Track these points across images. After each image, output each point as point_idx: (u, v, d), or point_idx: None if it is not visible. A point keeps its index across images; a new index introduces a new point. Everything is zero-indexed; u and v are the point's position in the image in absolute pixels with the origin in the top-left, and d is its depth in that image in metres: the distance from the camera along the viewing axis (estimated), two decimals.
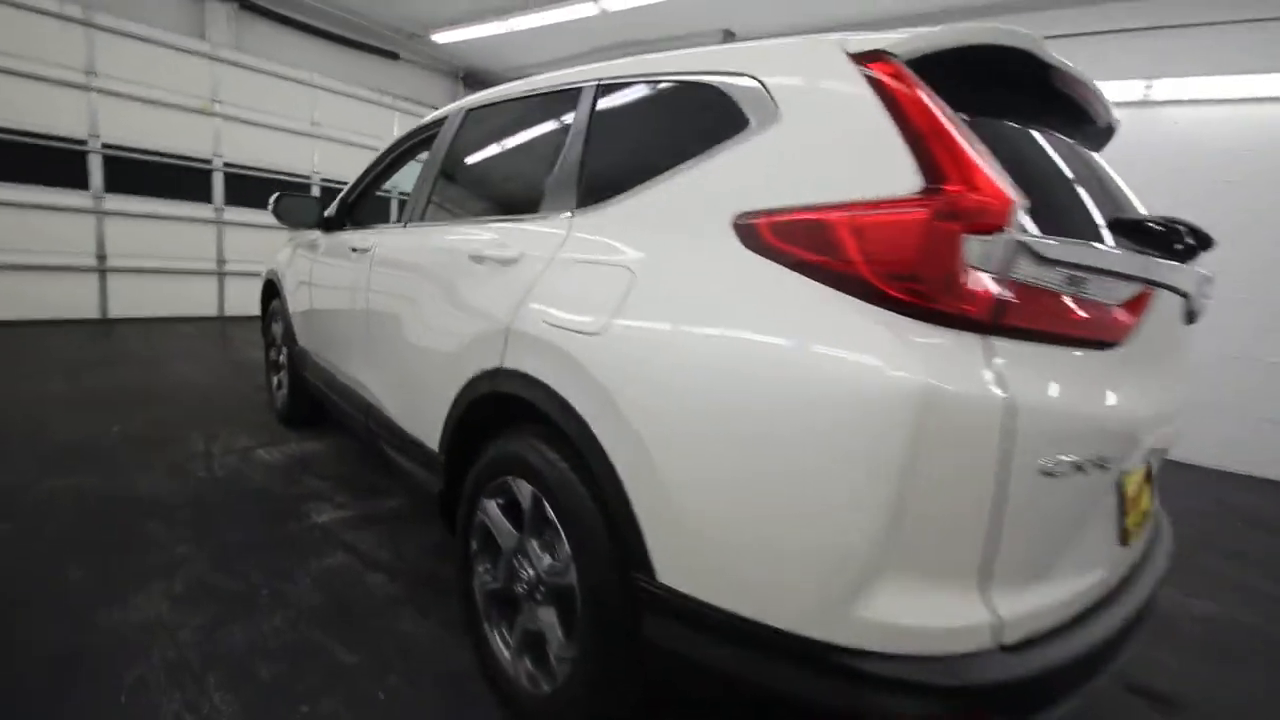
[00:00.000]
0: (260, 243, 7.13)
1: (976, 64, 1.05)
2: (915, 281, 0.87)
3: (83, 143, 5.78)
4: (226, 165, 6.76)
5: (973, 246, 0.85)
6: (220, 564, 2.04)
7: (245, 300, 7.10)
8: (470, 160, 2.15)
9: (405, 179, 2.68)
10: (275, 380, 3.61)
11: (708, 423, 0.99)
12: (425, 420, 1.84)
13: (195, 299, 6.79)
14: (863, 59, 1.05)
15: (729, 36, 6.35)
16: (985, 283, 0.86)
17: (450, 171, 2.16)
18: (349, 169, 7.77)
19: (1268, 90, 4.11)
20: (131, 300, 6.30)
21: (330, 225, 2.88)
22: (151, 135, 6.17)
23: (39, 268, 5.70)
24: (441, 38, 7.32)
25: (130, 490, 2.52)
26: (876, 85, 1.00)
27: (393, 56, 8.17)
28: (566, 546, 1.26)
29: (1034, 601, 0.97)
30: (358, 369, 2.35)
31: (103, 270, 6.08)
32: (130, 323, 6.20)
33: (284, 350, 3.37)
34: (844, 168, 0.99)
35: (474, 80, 9.18)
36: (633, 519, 1.10)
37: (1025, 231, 0.89)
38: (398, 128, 8.29)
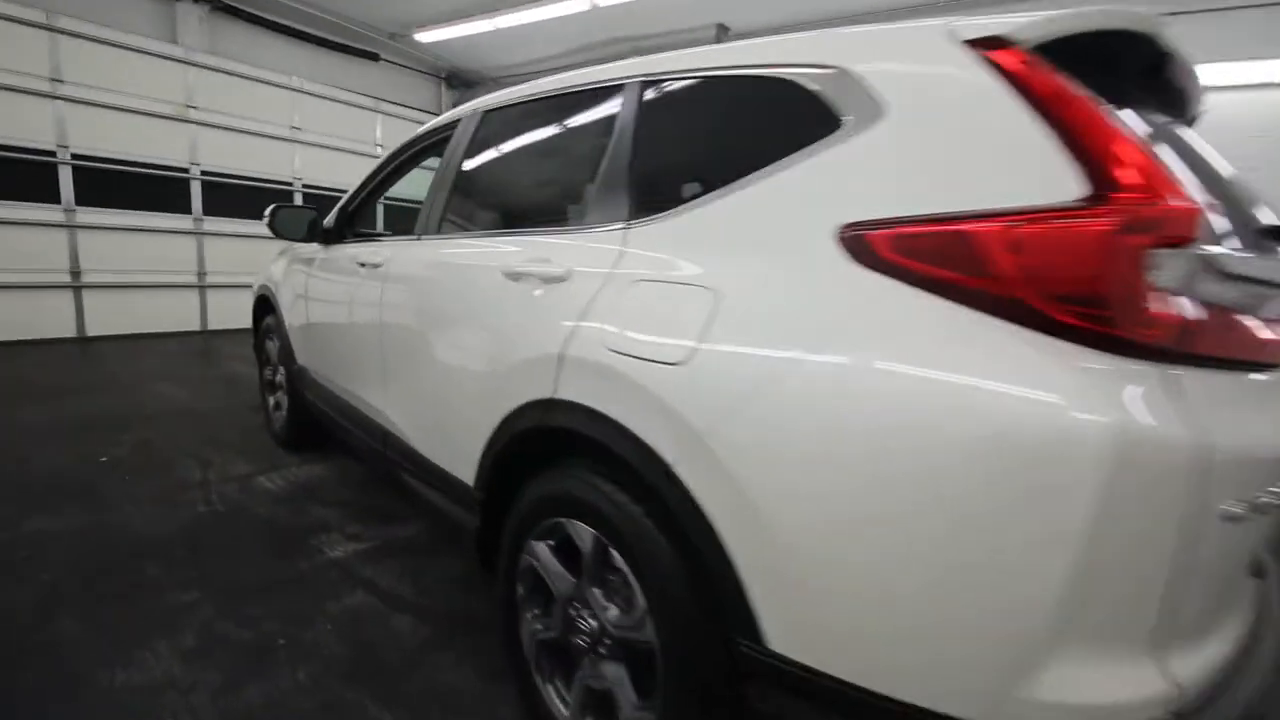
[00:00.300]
0: (242, 253, 6.89)
1: (1088, 50, 0.92)
2: (1091, 304, 0.74)
3: (51, 154, 5.51)
4: (204, 173, 6.51)
5: (1159, 262, 0.73)
6: (229, 610, 1.88)
7: (229, 313, 6.86)
8: (491, 167, 2.00)
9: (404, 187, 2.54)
10: (272, 401, 3.43)
11: (835, 472, 0.86)
12: (455, 452, 1.69)
13: (177, 313, 6.53)
14: (981, 46, 0.93)
15: (723, 31, 6.23)
16: (1170, 304, 0.74)
17: (468, 179, 2.01)
18: (331, 174, 7.56)
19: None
20: (109, 317, 6.04)
21: (330, 237, 2.71)
22: (124, 144, 5.91)
23: (9, 287, 5.42)
24: (425, 36, 7.11)
25: (124, 528, 2.34)
26: (1007, 75, 0.88)
27: (373, 58, 7.94)
28: (641, 600, 1.13)
29: (1204, 659, 0.86)
30: (370, 392, 2.19)
31: (78, 287, 5.81)
32: (109, 340, 5.94)
33: (281, 369, 3.18)
34: (978, 171, 0.86)
35: (458, 81, 8.97)
36: (733, 577, 0.96)
37: (1211, 243, 0.77)
38: (380, 131, 8.07)
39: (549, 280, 1.39)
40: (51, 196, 5.56)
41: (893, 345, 0.85)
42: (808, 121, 1.07)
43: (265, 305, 3.37)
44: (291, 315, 2.99)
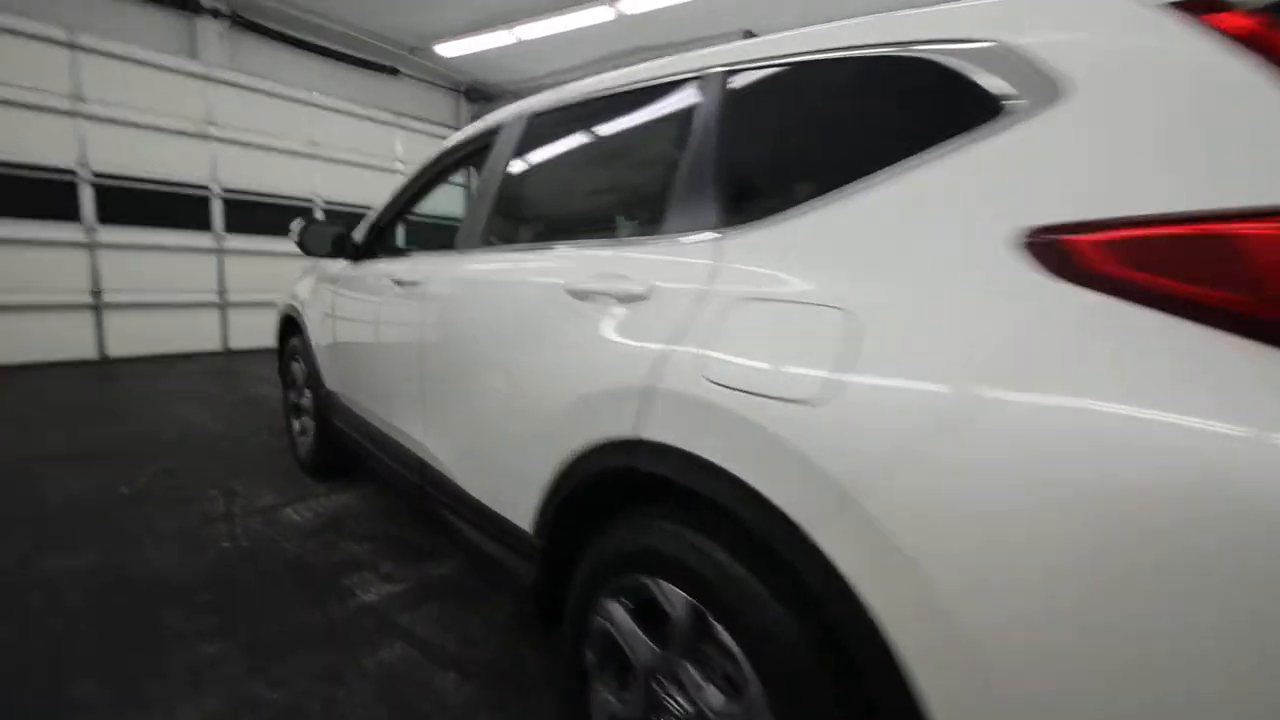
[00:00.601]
0: (263, 271, 6.81)
1: None
2: None
3: (72, 172, 5.46)
4: (225, 191, 6.44)
5: None
6: (257, 665, 1.70)
7: (250, 333, 6.77)
8: (543, 174, 1.84)
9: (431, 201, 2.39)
10: (298, 425, 3.27)
11: (1056, 550, 0.65)
12: (508, 493, 1.50)
13: (198, 333, 6.45)
14: (1191, 9, 0.74)
15: (748, 37, 6.07)
16: None
17: (516, 188, 1.84)
18: (351, 191, 7.48)
19: None
20: (130, 337, 5.96)
21: (360, 253, 2.56)
22: (145, 162, 5.85)
23: (30, 307, 5.35)
24: (445, 50, 7.03)
25: (143, 569, 2.17)
26: (1242, 41, 0.69)
27: (392, 72, 7.88)
28: (757, 687, 0.93)
29: None
30: (407, 421, 2.01)
31: (98, 307, 5.74)
32: (130, 362, 5.86)
33: (308, 393, 3.03)
34: (1221, 160, 0.67)
35: (477, 95, 8.90)
36: (894, 671, 0.76)
37: None
38: (400, 146, 8.00)
39: (626, 299, 1.21)
40: (72, 215, 5.51)
41: (1123, 382, 0.65)
42: (955, 107, 0.89)
43: (290, 325, 3.22)
44: (319, 336, 2.84)
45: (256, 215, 6.71)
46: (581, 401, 1.24)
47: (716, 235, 1.14)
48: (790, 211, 1.03)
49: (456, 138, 2.23)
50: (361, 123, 7.56)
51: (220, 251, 6.50)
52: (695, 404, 1.00)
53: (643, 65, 1.50)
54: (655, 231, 1.28)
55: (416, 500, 2.00)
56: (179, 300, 6.25)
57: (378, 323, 2.23)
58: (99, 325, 5.77)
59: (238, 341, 6.74)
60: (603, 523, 1.24)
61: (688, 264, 1.15)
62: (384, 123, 7.80)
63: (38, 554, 2.24)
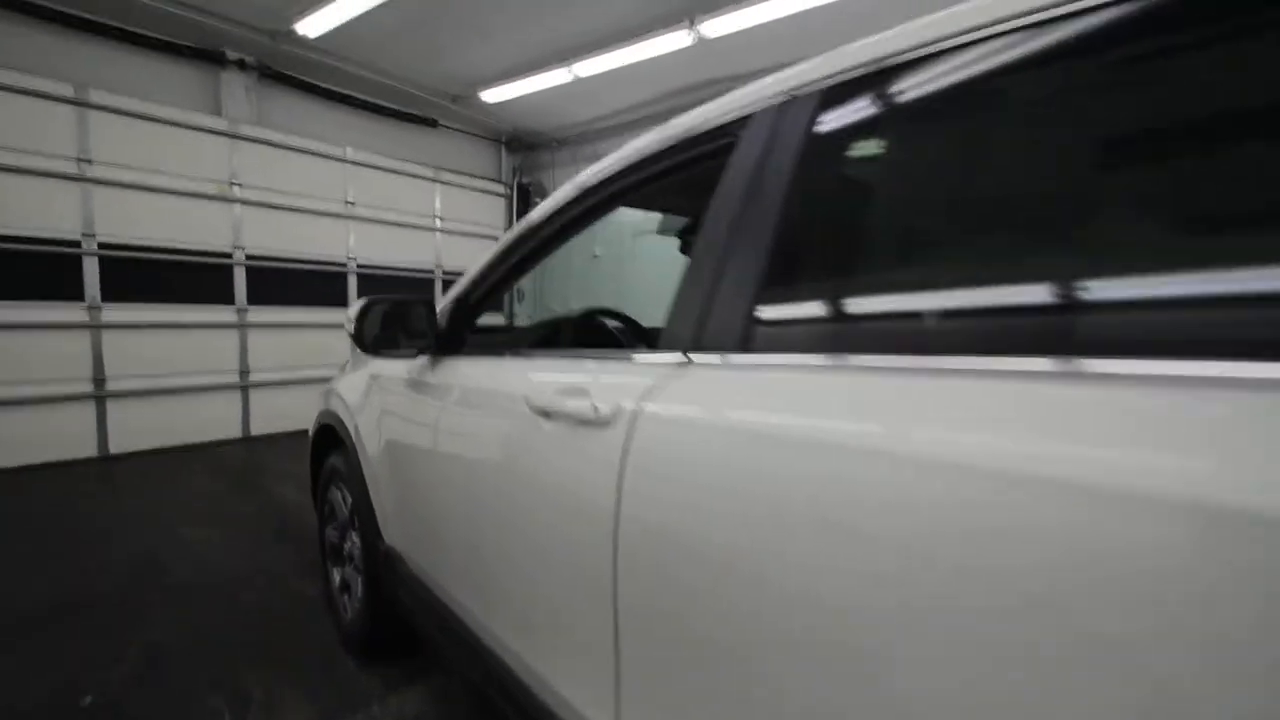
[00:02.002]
0: (290, 344, 6.01)
1: None
2: None
3: (75, 244, 4.72)
4: (249, 258, 5.69)
5: None
6: None
7: (274, 416, 5.92)
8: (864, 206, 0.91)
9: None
10: (339, 577, 2.32)
11: None
12: None
13: (214, 419, 5.59)
14: None
15: None
16: None
17: (816, 231, 0.92)
18: (388, 251, 6.76)
19: None
20: (136, 430, 5.11)
21: (444, 346, 1.66)
22: (159, 229, 5.11)
23: (21, 402, 4.54)
24: (492, 95, 6.35)
25: None
26: None
27: (431, 124, 7.25)
28: None
29: None
30: (570, 676, 1.05)
31: (101, 396, 4.91)
32: (135, 459, 4.99)
33: (355, 538, 2.10)
34: None
35: (519, 145, 8.25)
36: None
37: None
38: (439, 202, 7.30)
39: None
40: (74, 293, 4.74)
41: None
42: None
43: (329, 437, 2.31)
44: (376, 464, 1.91)
45: (284, 283, 5.95)
46: None
47: None
48: None
49: (620, 158, 1.33)
50: (398, 178, 6.86)
51: (243, 326, 5.71)
52: None
53: None
54: None
55: None
56: (194, 384, 5.41)
57: (492, 478, 1.30)
58: (101, 418, 4.93)
59: (260, 426, 5.88)
60: None
61: None
62: (422, 177, 7.10)
63: None
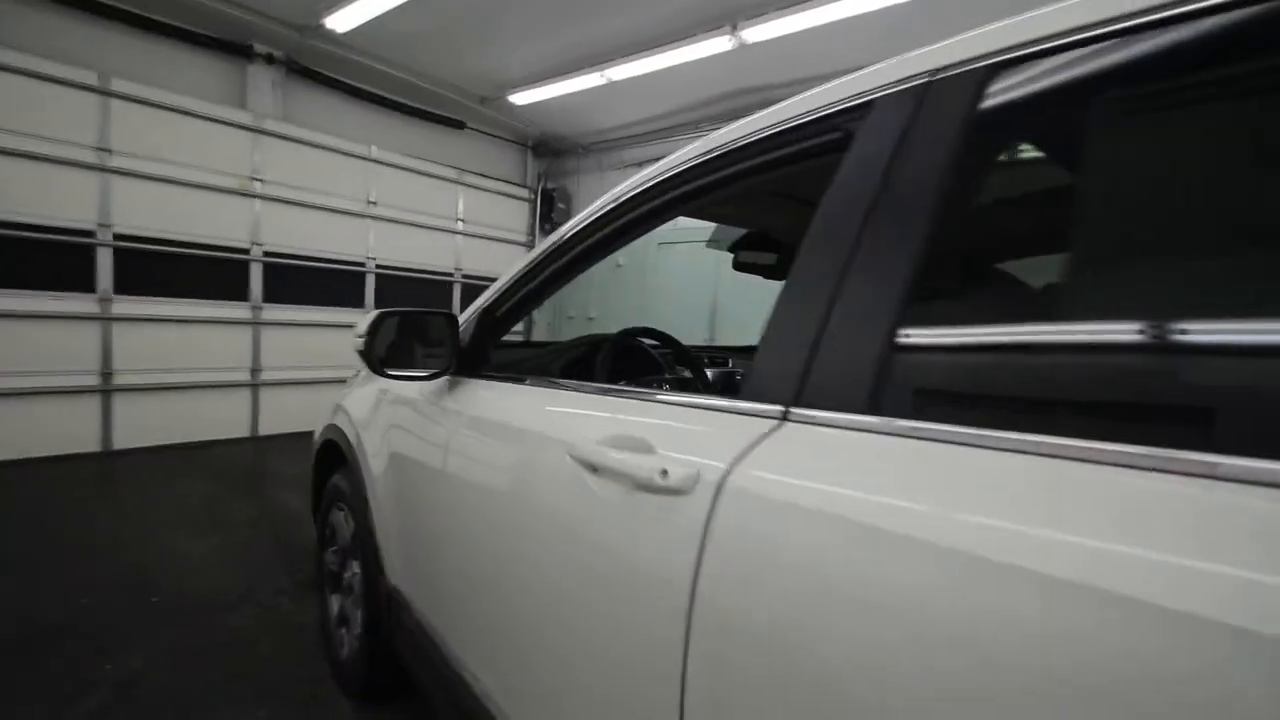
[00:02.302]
0: (303, 343, 5.86)
1: None
2: None
3: (90, 234, 4.60)
4: (267, 254, 5.56)
5: None
6: None
7: (283, 415, 5.77)
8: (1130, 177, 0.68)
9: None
10: (336, 606, 2.11)
11: None
12: None
13: (222, 417, 5.44)
14: None
15: None
16: None
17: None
18: (408, 253, 6.62)
19: None
20: (141, 425, 4.97)
21: (464, 365, 1.45)
22: (176, 221, 4.99)
23: (25, 393, 4.41)
24: (521, 98, 6.21)
25: None
26: None
27: (458, 125, 7.12)
28: None
29: None
30: None
31: (107, 390, 4.77)
32: (137, 455, 4.84)
33: (355, 568, 1.90)
34: None
35: (544, 150, 8.10)
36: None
37: None
38: (462, 205, 7.15)
39: None
40: (85, 284, 4.62)
41: None
42: None
43: (334, 453, 2.11)
44: (382, 488, 1.70)
45: (301, 281, 5.81)
46: None
47: None
48: None
49: (683, 158, 1.13)
50: (422, 179, 6.73)
51: (257, 323, 5.56)
52: None
53: None
54: None
55: None
56: (203, 380, 5.27)
57: (518, 539, 1.08)
58: (106, 412, 4.79)
59: (268, 425, 5.72)
60: None
61: None
62: (446, 179, 6.97)
63: None
